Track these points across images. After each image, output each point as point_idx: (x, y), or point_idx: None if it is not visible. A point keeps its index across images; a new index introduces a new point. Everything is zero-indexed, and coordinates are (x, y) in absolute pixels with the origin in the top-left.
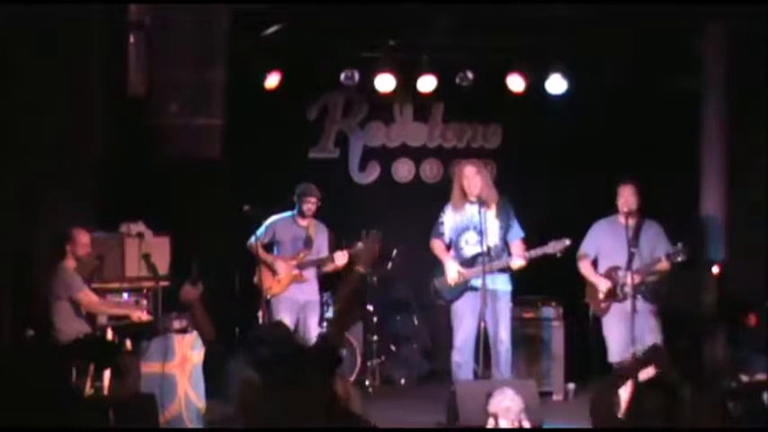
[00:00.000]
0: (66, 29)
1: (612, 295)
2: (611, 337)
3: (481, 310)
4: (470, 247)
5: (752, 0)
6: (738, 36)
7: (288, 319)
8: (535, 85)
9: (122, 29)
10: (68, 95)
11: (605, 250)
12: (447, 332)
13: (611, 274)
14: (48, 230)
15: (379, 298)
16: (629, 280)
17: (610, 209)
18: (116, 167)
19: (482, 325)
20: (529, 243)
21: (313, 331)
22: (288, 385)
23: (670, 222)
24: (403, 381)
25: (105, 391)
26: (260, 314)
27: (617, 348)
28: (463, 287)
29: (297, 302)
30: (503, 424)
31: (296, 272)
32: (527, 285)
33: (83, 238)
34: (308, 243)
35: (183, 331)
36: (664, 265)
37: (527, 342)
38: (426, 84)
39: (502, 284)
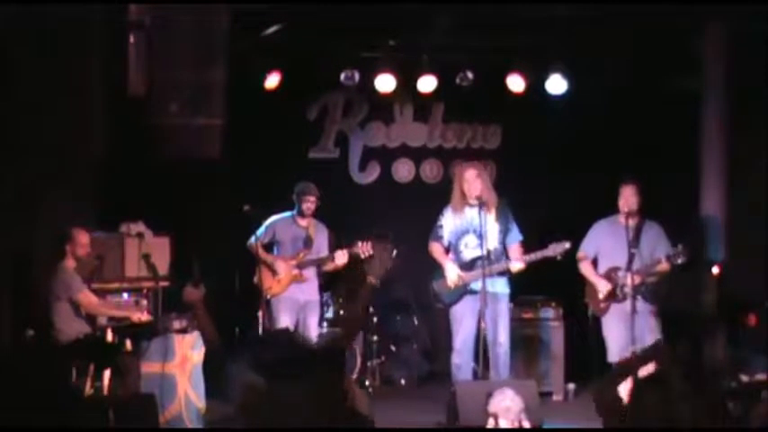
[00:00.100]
0: (66, 29)
1: (612, 296)
2: (610, 338)
3: (481, 311)
4: (470, 250)
5: (752, 0)
6: (738, 36)
7: (288, 319)
8: (535, 85)
9: (122, 29)
10: (68, 95)
11: (605, 250)
12: (446, 335)
13: (610, 274)
14: (48, 230)
15: (379, 298)
16: (629, 281)
17: (610, 209)
18: (116, 167)
19: (482, 326)
20: (529, 244)
21: (313, 331)
22: (296, 386)
23: (670, 222)
24: (403, 381)
25: (105, 392)
26: (260, 314)
27: (617, 348)
28: (462, 290)
29: (297, 302)
30: (503, 424)
31: (296, 272)
32: (527, 286)
33: (83, 239)
34: (307, 243)
35: (183, 331)
36: (664, 266)
37: (527, 342)
38: (426, 84)
39: (501, 287)
